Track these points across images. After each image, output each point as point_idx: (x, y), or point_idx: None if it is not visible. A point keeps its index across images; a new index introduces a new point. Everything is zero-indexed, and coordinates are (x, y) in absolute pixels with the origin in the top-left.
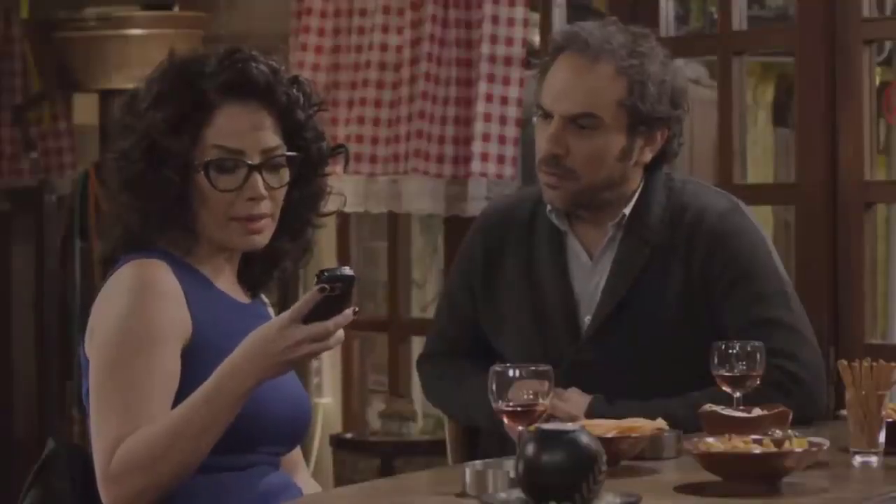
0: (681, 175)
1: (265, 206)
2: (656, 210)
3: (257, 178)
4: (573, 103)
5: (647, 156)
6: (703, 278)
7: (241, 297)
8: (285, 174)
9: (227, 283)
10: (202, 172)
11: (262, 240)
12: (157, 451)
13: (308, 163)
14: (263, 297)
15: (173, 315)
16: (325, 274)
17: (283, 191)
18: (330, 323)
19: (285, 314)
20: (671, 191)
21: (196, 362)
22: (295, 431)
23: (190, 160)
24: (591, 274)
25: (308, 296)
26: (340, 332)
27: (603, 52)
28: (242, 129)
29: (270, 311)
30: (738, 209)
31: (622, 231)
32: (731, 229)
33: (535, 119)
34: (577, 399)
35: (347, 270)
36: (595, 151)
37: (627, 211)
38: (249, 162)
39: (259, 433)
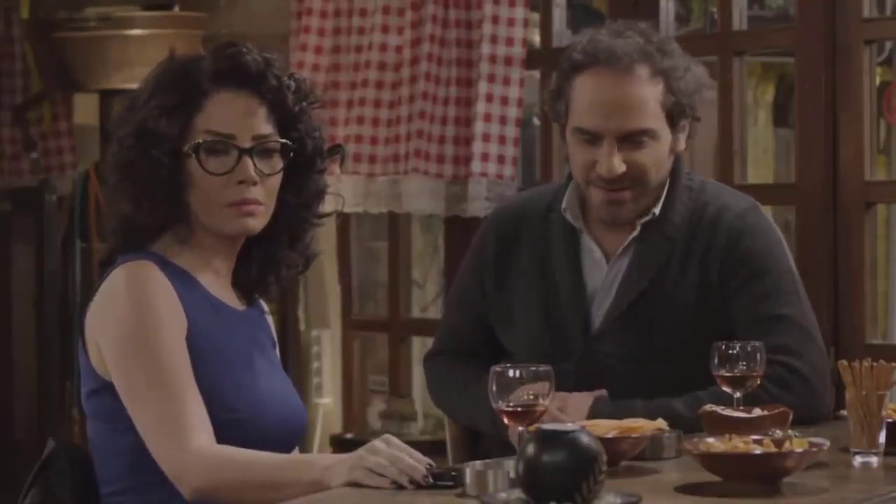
0: (699, 175)
1: (257, 192)
2: (680, 208)
3: (248, 161)
4: (624, 122)
5: (683, 143)
6: (720, 275)
7: (235, 303)
8: (278, 162)
9: (221, 288)
10: (193, 156)
11: (256, 224)
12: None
13: (302, 157)
14: (263, 304)
15: (171, 307)
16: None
17: (277, 180)
18: (406, 457)
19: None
20: (691, 190)
21: (191, 360)
22: (287, 440)
23: (180, 145)
24: (606, 271)
25: (419, 459)
26: (399, 464)
27: (634, 59)
28: (233, 114)
29: (269, 319)
30: (756, 209)
31: (644, 229)
32: (749, 228)
33: (569, 139)
34: (578, 406)
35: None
36: (653, 159)
37: (657, 210)
38: (240, 146)
39: (254, 439)
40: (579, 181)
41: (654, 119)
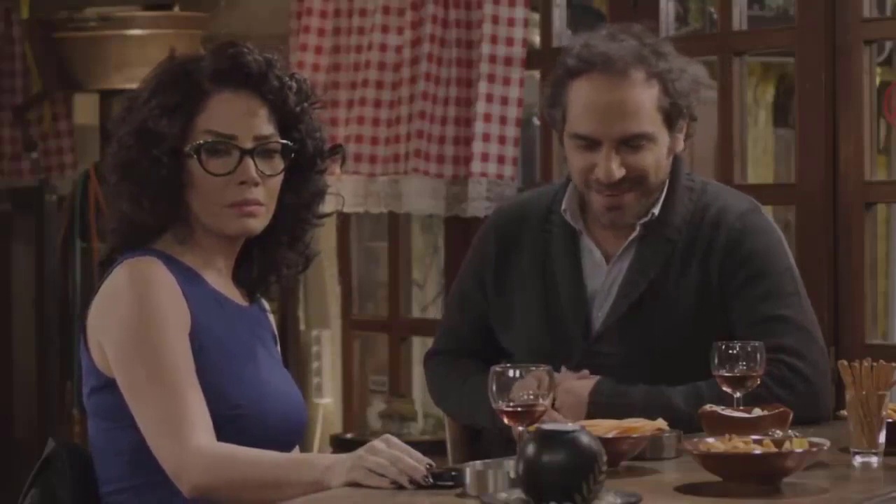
0: (700, 176)
1: (258, 193)
2: (680, 210)
3: (249, 162)
4: (622, 126)
5: (682, 143)
6: (721, 276)
7: (238, 298)
8: (279, 163)
9: (223, 284)
10: (194, 157)
11: (257, 224)
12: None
13: (303, 157)
14: (265, 303)
15: (174, 304)
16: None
17: (278, 180)
18: (405, 457)
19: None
20: (692, 191)
21: (195, 356)
22: (289, 436)
23: (181, 146)
24: (606, 272)
25: (419, 459)
26: (399, 464)
27: (630, 63)
28: (234, 114)
29: (270, 317)
30: (757, 210)
31: (644, 230)
32: (750, 228)
33: (566, 144)
34: (575, 399)
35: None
36: (653, 162)
37: (657, 210)
38: (241, 146)
39: (252, 437)
40: (579, 186)
41: (651, 122)
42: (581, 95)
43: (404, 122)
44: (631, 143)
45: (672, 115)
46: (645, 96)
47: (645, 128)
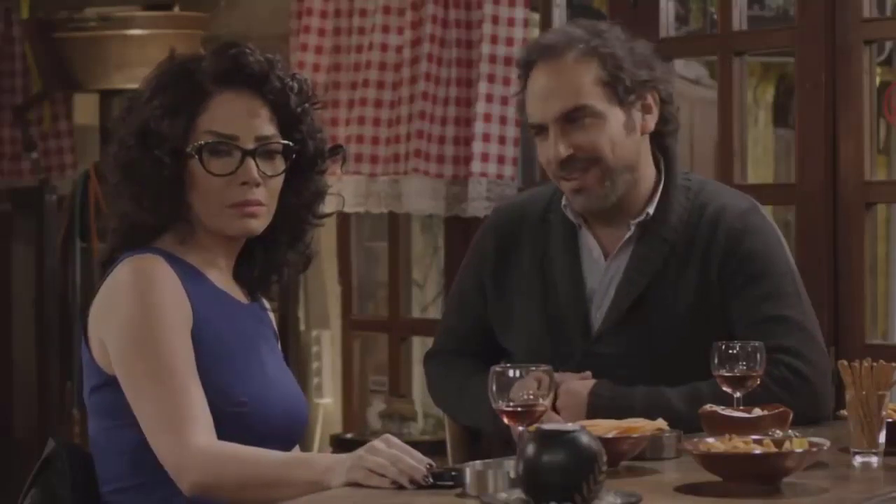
0: (699, 175)
1: (259, 193)
2: (677, 208)
3: (251, 162)
4: (558, 103)
5: (651, 123)
6: (720, 276)
7: (240, 296)
8: (280, 163)
9: (224, 281)
10: (196, 157)
11: (258, 224)
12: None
13: (304, 158)
14: (265, 301)
15: (176, 301)
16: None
17: (279, 181)
18: (406, 457)
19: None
20: (689, 190)
21: (198, 353)
22: (291, 432)
23: (183, 146)
24: (605, 271)
25: (419, 459)
26: (399, 464)
27: (565, 46)
28: (236, 115)
29: (271, 315)
30: (757, 209)
31: (641, 229)
32: (749, 228)
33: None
34: (574, 400)
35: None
36: (606, 138)
37: (651, 209)
38: (243, 147)
39: (256, 434)
40: (551, 178)
41: (589, 95)
42: (529, 88)
43: (404, 122)
44: (573, 118)
45: (617, 89)
46: (580, 72)
47: (582, 101)
